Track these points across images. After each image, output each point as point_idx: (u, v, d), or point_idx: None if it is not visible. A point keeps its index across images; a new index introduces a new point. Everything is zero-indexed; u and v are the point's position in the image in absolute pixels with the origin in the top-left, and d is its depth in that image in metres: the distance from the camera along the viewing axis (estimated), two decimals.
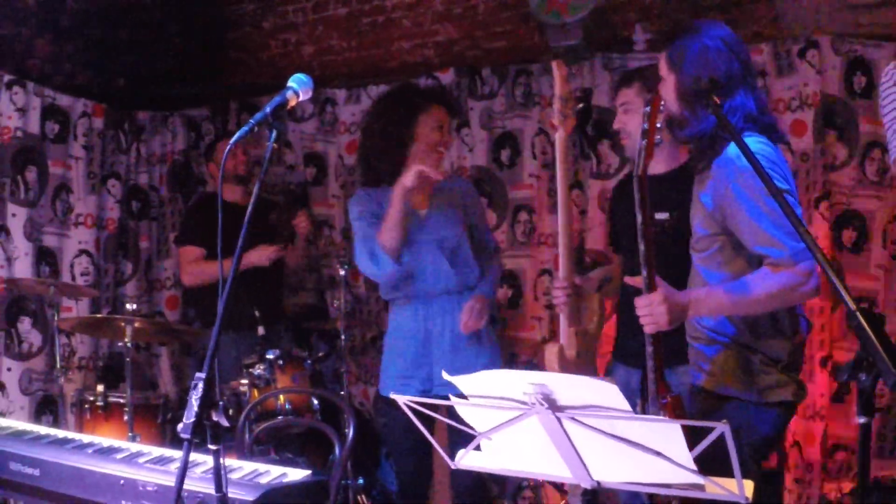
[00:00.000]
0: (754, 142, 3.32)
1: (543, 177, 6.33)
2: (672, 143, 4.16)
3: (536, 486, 5.93)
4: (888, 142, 3.42)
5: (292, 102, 2.93)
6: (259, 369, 5.63)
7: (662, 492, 2.34)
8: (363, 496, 5.60)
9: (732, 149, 3.32)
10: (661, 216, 4.15)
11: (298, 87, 2.93)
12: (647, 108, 3.36)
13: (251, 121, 2.80)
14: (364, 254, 4.57)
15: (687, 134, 3.51)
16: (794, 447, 5.49)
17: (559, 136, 4.17)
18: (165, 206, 7.46)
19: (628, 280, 3.47)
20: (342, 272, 5.85)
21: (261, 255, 6.00)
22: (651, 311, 3.26)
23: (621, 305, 4.47)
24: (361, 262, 4.61)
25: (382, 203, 4.54)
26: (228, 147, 2.88)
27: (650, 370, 3.32)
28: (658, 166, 4.23)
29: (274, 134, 2.85)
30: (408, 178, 4.35)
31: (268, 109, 2.84)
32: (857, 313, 2.17)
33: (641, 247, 3.29)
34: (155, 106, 7.45)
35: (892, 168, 3.38)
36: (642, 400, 3.46)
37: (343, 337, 5.91)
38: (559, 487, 5.79)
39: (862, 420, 2.18)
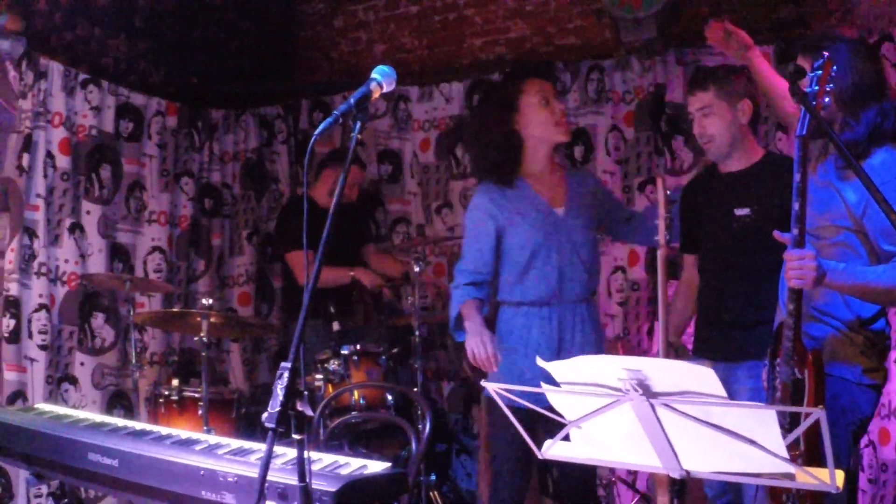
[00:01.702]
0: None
1: (616, 172, 6.30)
2: (745, 141, 4.23)
3: (609, 483, 5.89)
4: None
5: (376, 94, 2.91)
6: (334, 364, 5.66)
7: (752, 481, 2.31)
8: (435, 492, 5.60)
9: (882, 153, 3.42)
10: (742, 212, 4.19)
11: (382, 79, 2.91)
12: (819, 72, 3.27)
13: (336, 112, 2.79)
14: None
15: (847, 137, 3.48)
16: (869, 446, 5.40)
17: (661, 255, 4.13)
18: (238, 204, 7.52)
19: (777, 236, 3.42)
20: (416, 269, 5.85)
21: (371, 279, 6.19)
22: (802, 264, 3.24)
23: (702, 301, 4.43)
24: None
25: (500, 200, 4.39)
26: (314, 137, 2.87)
27: (787, 328, 3.33)
28: (735, 164, 4.26)
29: (358, 125, 2.83)
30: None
31: (352, 101, 2.81)
32: None
33: (796, 206, 3.26)
34: (227, 104, 7.50)
35: None
36: (770, 365, 3.47)
37: (417, 333, 5.90)
38: (631, 485, 5.76)
39: None
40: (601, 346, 4.48)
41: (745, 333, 4.13)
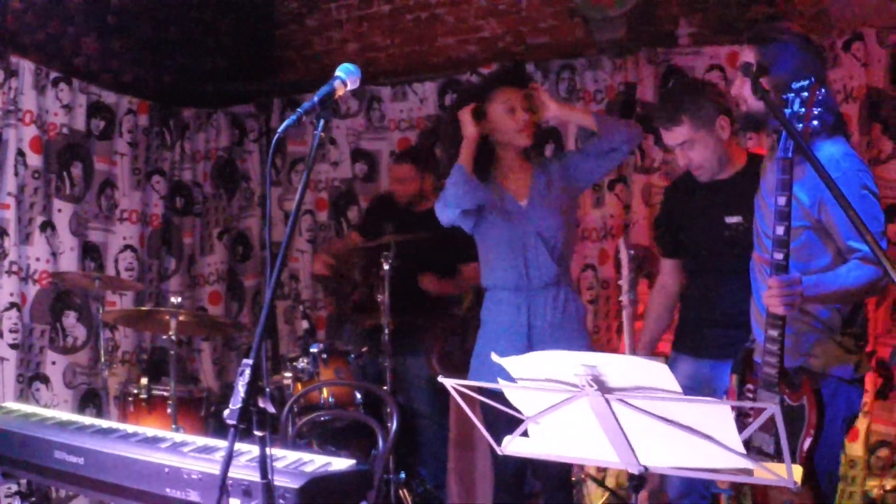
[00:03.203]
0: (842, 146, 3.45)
1: None
2: (730, 152, 4.25)
3: (578, 481, 5.90)
4: None
5: (340, 92, 2.92)
6: (303, 363, 5.65)
7: (710, 476, 2.32)
8: (404, 490, 5.60)
9: (828, 147, 3.43)
10: (733, 220, 4.22)
11: (346, 76, 2.92)
12: (805, 94, 3.27)
13: (299, 110, 2.80)
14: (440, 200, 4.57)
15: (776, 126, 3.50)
16: None
17: (626, 314, 4.53)
18: (209, 203, 7.50)
19: (757, 258, 3.44)
20: (386, 267, 5.83)
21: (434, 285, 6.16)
22: (791, 290, 3.26)
23: (689, 301, 4.44)
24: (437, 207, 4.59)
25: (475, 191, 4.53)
26: (277, 135, 2.87)
27: (770, 354, 3.35)
28: (720, 172, 4.27)
29: (322, 123, 2.84)
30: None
31: (316, 99, 2.82)
32: None
33: (780, 230, 3.27)
34: (200, 103, 7.49)
35: None
36: (748, 383, 3.50)
37: (386, 332, 5.90)
38: (601, 482, 5.78)
39: None
40: (578, 325, 4.59)
41: (733, 332, 4.14)
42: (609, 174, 5.67)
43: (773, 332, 3.31)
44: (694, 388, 3.63)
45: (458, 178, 4.47)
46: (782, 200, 3.26)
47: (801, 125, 3.24)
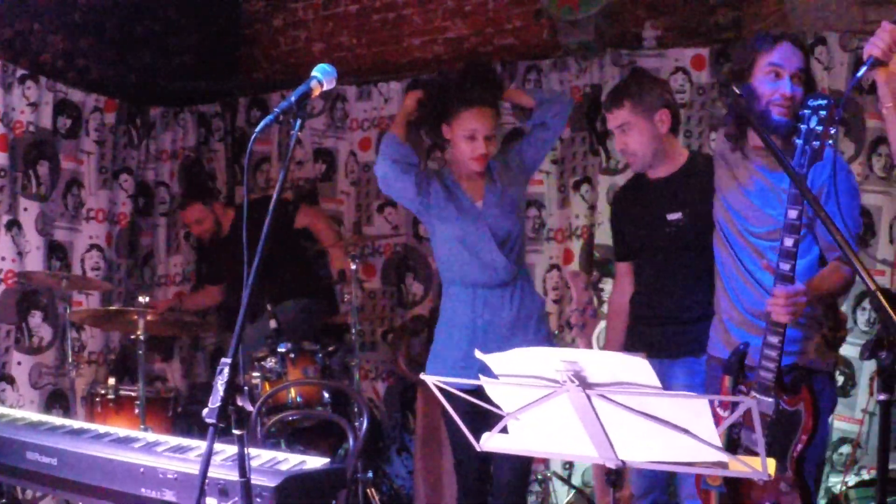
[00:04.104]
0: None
1: (553, 172, 6.35)
2: (668, 148, 4.28)
3: (544, 479, 5.94)
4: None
5: (316, 92, 2.93)
6: (270, 362, 5.66)
7: (686, 469, 2.36)
8: (372, 490, 5.61)
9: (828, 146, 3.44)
10: (674, 217, 4.24)
11: (323, 77, 2.93)
12: (824, 113, 3.29)
13: (276, 110, 2.81)
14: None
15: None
16: None
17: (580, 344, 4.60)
18: (176, 202, 7.47)
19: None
20: (353, 266, 5.85)
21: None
22: (796, 300, 3.32)
23: (638, 301, 4.47)
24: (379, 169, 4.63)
25: (433, 191, 4.60)
26: (254, 135, 2.88)
27: (769, 360, 3.40)
28: (661, 170, 4.31)
29: (298, 123, 2.85)
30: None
31: (293, 98, 2.83)
32: (878, 293, 2.21)
33: (789, 242, 3.33)
34: (167, 101, 7.47)
35: None
36: (740, 385, 3.55)
37: (353, 331, 5.92)
38: (567, 480, 5.82)
39: (882, 397, 2.23)
40: (537, 323, 4.60)
41: (681, 330, 4.20)
42: (547, 154, 5.61)
43: (774, 339, 3.36)
44: None
45: (387, 140, 4.60)
46: (794, 214, 3.31)
47: (818, 143, 3.27)
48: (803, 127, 3.30)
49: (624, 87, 4.35)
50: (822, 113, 3.29)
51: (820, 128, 3.26)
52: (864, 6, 5.75)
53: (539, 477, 5.98)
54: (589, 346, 4.45)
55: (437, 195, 4.58)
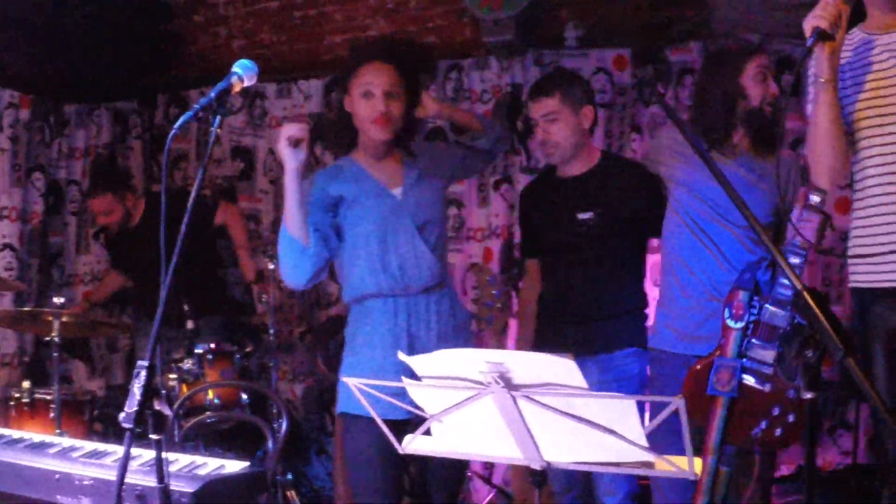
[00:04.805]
0: None
1: None
2: (586, 145, 4.31)
3: (465, 479, 5.94)
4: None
5: (237, 88, 2.88)
6: (188, 364, 5.58)
7: (611, 470, 2.36)
8: (292, 492, 5.56)
9: None
10: (585, 215, 4.25)
11: (243, 73, 2.88)
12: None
13: (196, 106, 2.77)
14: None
15: None
16: None
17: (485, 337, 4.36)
18: (86, 201, 7.34)
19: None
20: (271, 266, 5.79)
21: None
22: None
23: (548, 300, 4.47)
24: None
25: (336, 181, 3.92)
26: (173, 132, 2.82)
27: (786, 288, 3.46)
28: (575, 168, 4.33)
29: (218, 119, 2.81)
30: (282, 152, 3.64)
31: (212, 95, 2.79)
32: (804, 292, 2.22)
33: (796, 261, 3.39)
34: (84, 98, 7.34)
35: None
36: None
37: (271, 332, 5.86)
38: (488, 480, 5.82)
39: (809, 395, 2.24)
40: (464, 333, 4.03)
41: (592, 327, 4.22)
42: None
43: (796, 260, 3.38)
44: None
45: (284, 244, 3.77)
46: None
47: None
48: None
49: (556, 78, 4.40)
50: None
51: None
52: (784, 9, 5.82)
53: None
54: (496, 340, 4.40)
55: (344, 203, 3.89)
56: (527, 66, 6.21)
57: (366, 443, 3.69)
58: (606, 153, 4.54)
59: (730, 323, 3.43)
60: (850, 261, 3.49)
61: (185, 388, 5.54)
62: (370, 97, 3.79)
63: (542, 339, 4.45)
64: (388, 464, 3.67)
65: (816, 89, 3.28)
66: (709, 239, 3.93)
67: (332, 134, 4.10)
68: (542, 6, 6.36)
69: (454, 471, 3.98)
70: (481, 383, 2.21)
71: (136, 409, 2.49)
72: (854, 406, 5.47)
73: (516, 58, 6.25)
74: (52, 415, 5.36)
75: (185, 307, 5.70)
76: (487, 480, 5.82)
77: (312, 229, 3.76)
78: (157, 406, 2.53)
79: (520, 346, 4.62)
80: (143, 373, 2.51)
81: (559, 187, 4.36)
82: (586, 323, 4.23)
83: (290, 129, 3.60)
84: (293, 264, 3.75)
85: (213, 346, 5.70)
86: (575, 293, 4.29)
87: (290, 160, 3.62)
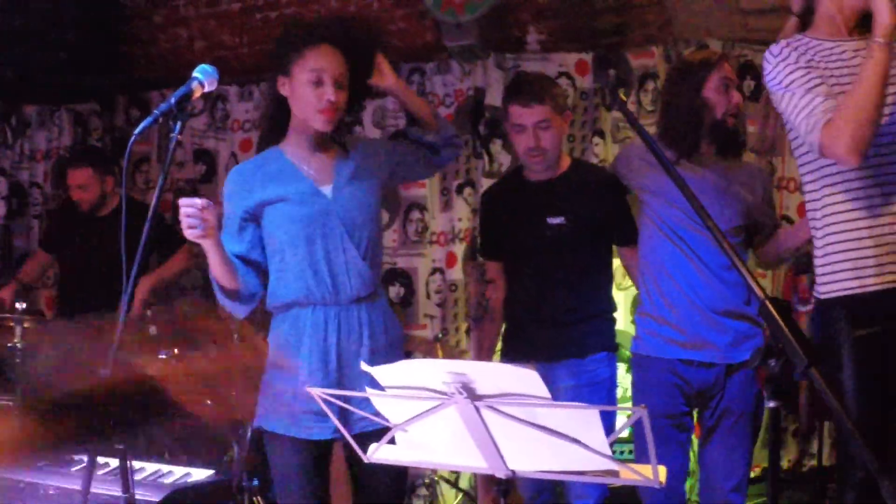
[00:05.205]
0: None
1: (436, 175, 6.35)
2: (558, 151, 4.30)
3: (431, 483, 5.94)
4: (790, 121, 3.45)
5: (197, 93, 2.90)
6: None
7: (576, 478, 2.37)
8: (259, 498, 5.54)
9: None
10: (556, 220, 4.26)
11: (204, 78, 2.90)
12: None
13: (156, 111, 2.78)
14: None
15: None
16: None
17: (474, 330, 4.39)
18: (49, 203, 7.30)
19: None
20: None
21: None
22: None
23: (515, 305, 4.47)
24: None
25: (257, 175, 3.58)
26: (133, 137, 2.83)
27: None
28: (544, 173, 4.33)
29: (179, 125, 2.81)
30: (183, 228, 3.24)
31: (172, 100, 2.81)
32: (766, 301, 2.24)
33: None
34: (43, 99, 7.29)
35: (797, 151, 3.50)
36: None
37: (235, 336, 5.82)
38: (455, 484, 5.82)
39: (771, 404, 2.26)
40: (398, 348, 3.73)
41: (563, 332, 4.24)
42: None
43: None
44: None
45: (218, 292, 3.53)
46: None
47: None
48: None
49: (543, 83, 4.34)
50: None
51: None
52: (745, 14, 5.87)
53: (426, 481, 5.98)
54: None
55: (269, 204, 3.55)
56: (489, 70, 6.22)
57: (289, 461, 3.53)
58: (577, 160, 4.54)
59: (799, 307, 3.51)
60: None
61: None
62: (319, 85, 3.45)
63: (513, 343, 4.46)
64: (312, 483, 3.55)
65: (872, 47, 3.21)
66: (686, 245, 3.98)
67: (266, 124, 3.69)
68: (503, 9, 6.38)
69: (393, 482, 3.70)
70: (444, 393, 2.22)
71: None
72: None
73: (478, 61, 6.26)
74: None
75: (148, 312, 5.67)
76: (454, 484, 5.82)
77: (239, 263, 3.54)
78: None
79: (486, 348, 4.58)
80: None
81: (527, 191, 4.35)
82: (558, 328, 4.25)
83: (190, 221, 3.20)
84: (230, 306, 3.54)
85: (175, 351, 5.65)
86: (546, 298, 4.29)
87: (204, 244, 3.32)
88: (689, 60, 4.19)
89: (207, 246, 3.30)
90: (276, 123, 3.61)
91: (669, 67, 4.94)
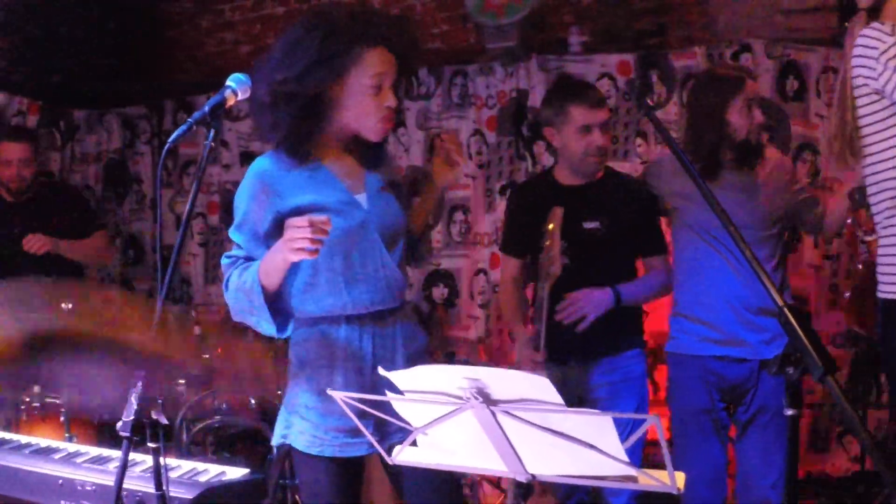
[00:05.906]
0: None
1: (479, 176, 6.39)
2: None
3: (473, 483, 5.96)
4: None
5: (230, 101, 2.92)
6: (195, 369, 5.62)
7: (595, 483, 2.39)
8: (299, 496, 5.60)
9: None
10: (591, 225, 4.28)
11: (237, 87, 2.93)
12: None
13: (189, 119, 2.82)
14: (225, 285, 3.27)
15: None
16: None
17: (547, 285, 4.03)
18: (100, 206, 7.41)
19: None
20: None
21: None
22: None
23: (539, 304, 4.46)
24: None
25: (285, 176, 3.21)
26: (168, 145, 2.88)
27: None
28: (576, 177, 4.36)
29: (212, 133, 2.86)
30: (290, 245, 2.96)
31: (206, 108, 2.84)
32: (785, 309, 2.24)
33: None
34: (91, 104, 7.40)
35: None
36: None
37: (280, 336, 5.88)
38: (497, 485, 5.84)
39: (790, 412, 2.26)
40: (426, 353, 3.43)
41: (600, 331, 4.24)
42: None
43: None
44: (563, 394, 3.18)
45: (260, 315, 3.16)
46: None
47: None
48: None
49: (596, 88, 4.47)
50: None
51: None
52: (787, 14, 5.84)
53: (469, 481, 6.00)
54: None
55: (300, 211, 3.12)
56: (531, 72, 6.23)
57: (319, 480, 3.28)
58: (611, 168, 4.55)
59: (866, 238, 3.61)
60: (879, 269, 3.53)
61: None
62: (379, 91, 3.16)
63: (551, 345, 4.45)
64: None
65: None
66: (722, 245, 4.03)
67: (297, 126, 3.19)
68: (544, 11, 6.39)
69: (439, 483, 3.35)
70: (461, 398, 2.25)
71: (132, 418, 2.55)
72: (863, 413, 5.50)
73: (520, 63, 6.27)
74: (62, 419, 5.41)
75: (193, 312, 5.76)
76: (497, 485, 5.84)
77: None
78: (154, 415, 2.58)
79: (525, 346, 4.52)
80: (141, 382, 2.56)
81: (562, 195, 4.33)
82: (593, 327, 4.27)
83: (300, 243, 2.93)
84: (270, 323, 3.17)
85: (220, 350, 5.74)
86: None
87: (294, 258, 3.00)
88: (714, 76, 4.20)
89: (295, 259, 3.01)
90: (314, 127, 3.21)
91: (693, 80, 4.86)
